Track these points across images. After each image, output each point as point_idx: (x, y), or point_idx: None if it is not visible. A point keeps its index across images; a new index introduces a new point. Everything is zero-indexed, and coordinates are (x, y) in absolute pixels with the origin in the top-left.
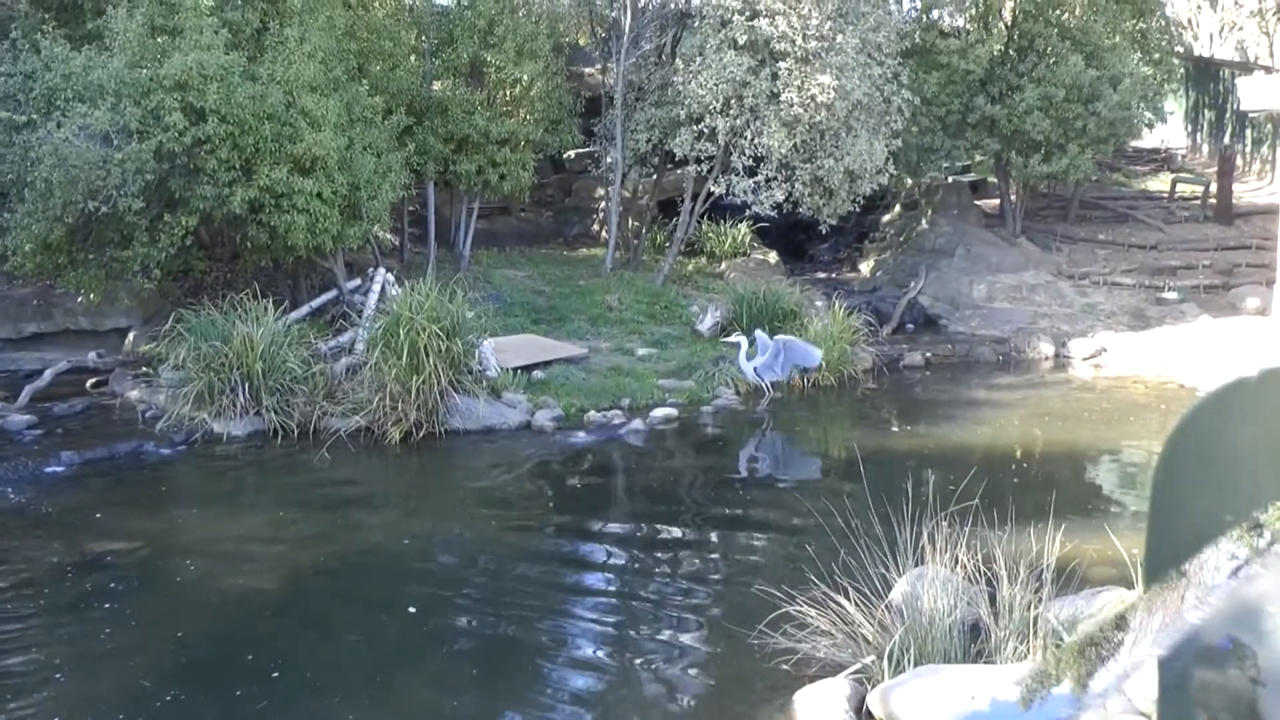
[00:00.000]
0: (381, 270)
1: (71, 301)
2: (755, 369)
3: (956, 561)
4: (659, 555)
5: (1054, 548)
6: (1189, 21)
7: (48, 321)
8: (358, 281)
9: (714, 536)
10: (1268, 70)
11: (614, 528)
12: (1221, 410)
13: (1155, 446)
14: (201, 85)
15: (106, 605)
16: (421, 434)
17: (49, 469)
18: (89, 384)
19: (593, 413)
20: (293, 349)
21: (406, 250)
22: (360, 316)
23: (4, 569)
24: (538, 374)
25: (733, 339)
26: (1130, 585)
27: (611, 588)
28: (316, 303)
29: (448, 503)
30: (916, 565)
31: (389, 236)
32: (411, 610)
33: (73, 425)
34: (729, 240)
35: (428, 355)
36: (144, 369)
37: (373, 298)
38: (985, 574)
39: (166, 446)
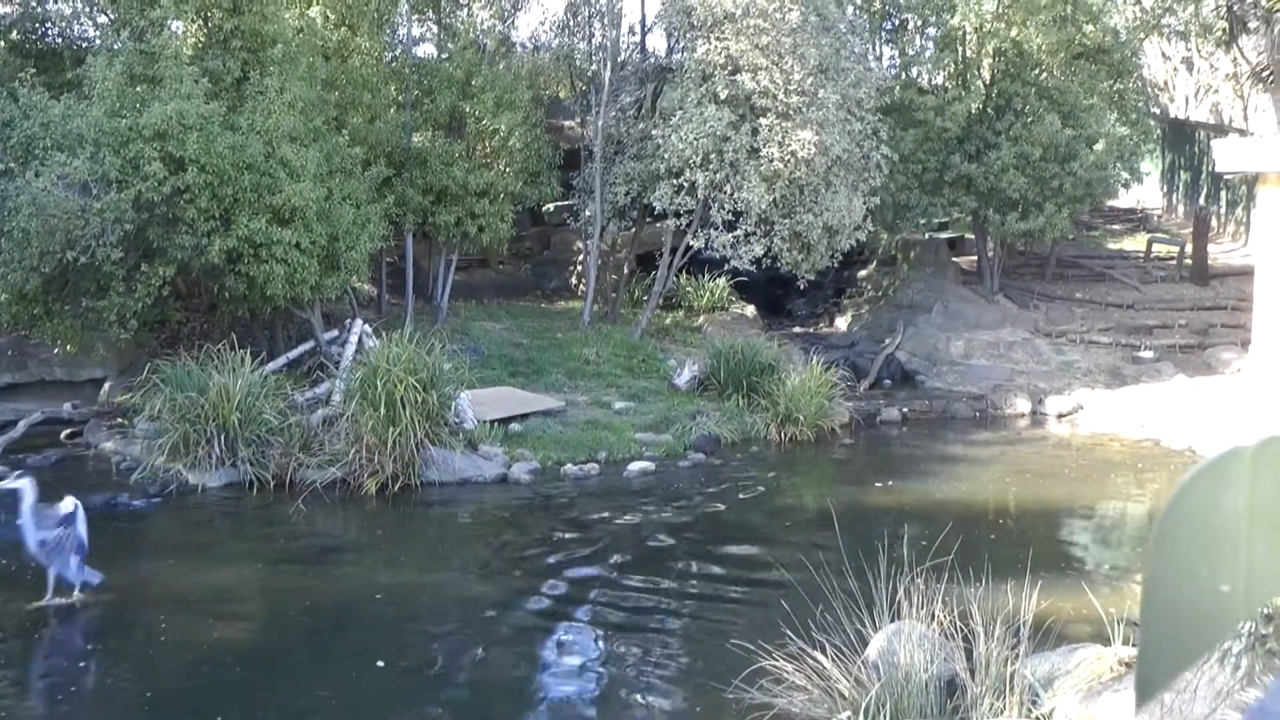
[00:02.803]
0: (359, 321)
1: (47, 352)
2: (42, 541)
3: (933, 617)
4: (635, 609)
5: (1031, 604)
6: (1165, 83)
7: (22, 372)
8: (335, 332)
9: (690, 590)
10: (1242, 133)
11: (589, 581)
12: (1220, 479)
13: (1132, 504)
14: (181, 135)
15: (75, 659)
16: (398, 486)
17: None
18: (64, 435)
19: (569, 465)
20: (269, 400)
21: (384, 301)
22: (337, 368)
23: None
24: (515, 426)
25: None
26: (1107, 642)
27: (586, 642)
28: (294, 354)
29: (422, 555)
30: (893, 621)
31: (367, 287)
32: (380, 664)
33: (46, 477)
34: (707, 294)
35: (404, 407)
36: (119, 420)
37: (350, 349)
38: (962, 630)
39: (141, 498)
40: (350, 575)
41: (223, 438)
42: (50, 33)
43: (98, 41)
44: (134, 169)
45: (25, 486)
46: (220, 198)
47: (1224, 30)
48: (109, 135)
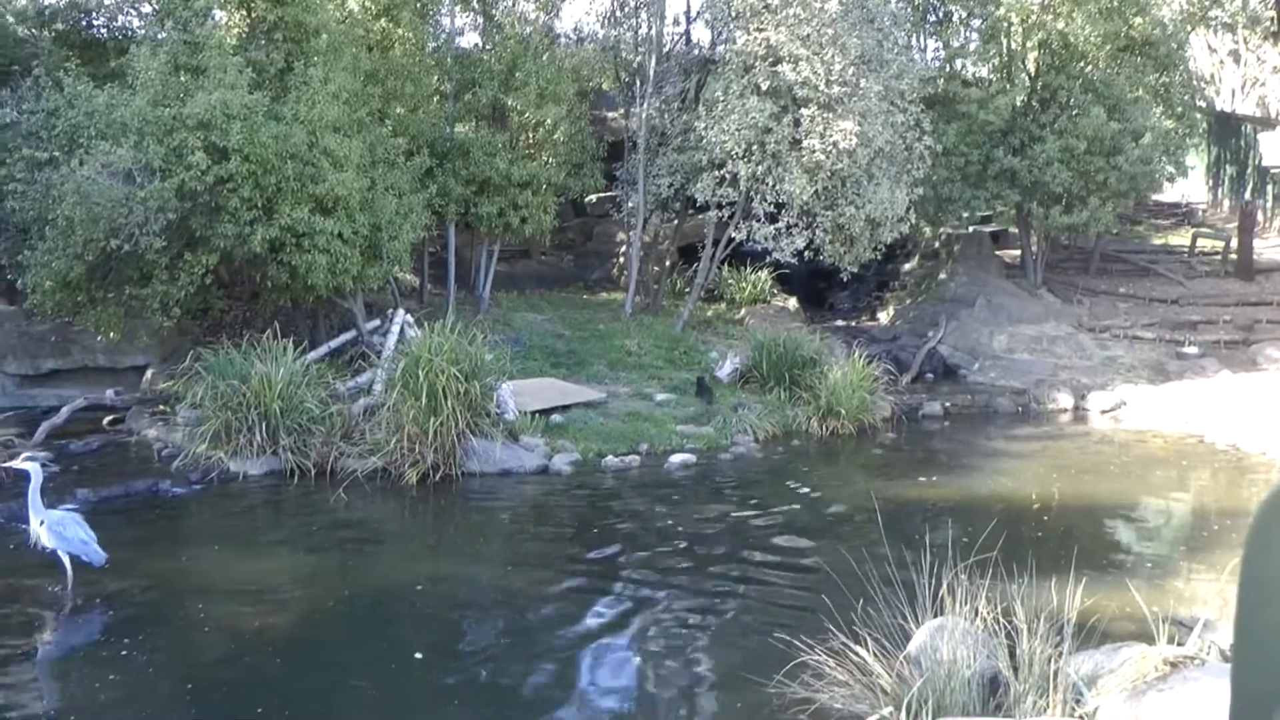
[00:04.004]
0: (401, 311)
1: (90, 339)
2: (42, 522)
3: (976, 613)
4: (676, 602)
5: (1074, 601)
6: (1211, 76)
7: (65, 358)
8: (377, 322)
9: (731, 584)
10: None
11: (630, 573)
12: None
13: (1175, 502)
14: (225, 124)
15: (116, 648)
16: (438, 476)
17: (64, 507)
18: (106, 421)
19: (610, 457)
20: (311, 389)
21: (426, 292)
22: (379, 357)
23: (14, 608)
24: (556, 418)
25: (18, 463)
26: (1151, 641)
27: (626, 635)
28: (335, 343)
29: (462, 546)
30: (935, 616)
31: (409, 277)
32: (418, 656)
33: (89, 463)
34: (749, 287)
35: (446, 397)
36: (161, 407)
37: (392, 339)
38: (1005, 626)
39: (182, 485)
40: (390, 565)
41: (264, 426)
42: (95, 23)
43: (141, 32)
44: (178, 158)
45: (34, 469)
46: (263, 187)
47: (1272, 22)
48: (153, 124)
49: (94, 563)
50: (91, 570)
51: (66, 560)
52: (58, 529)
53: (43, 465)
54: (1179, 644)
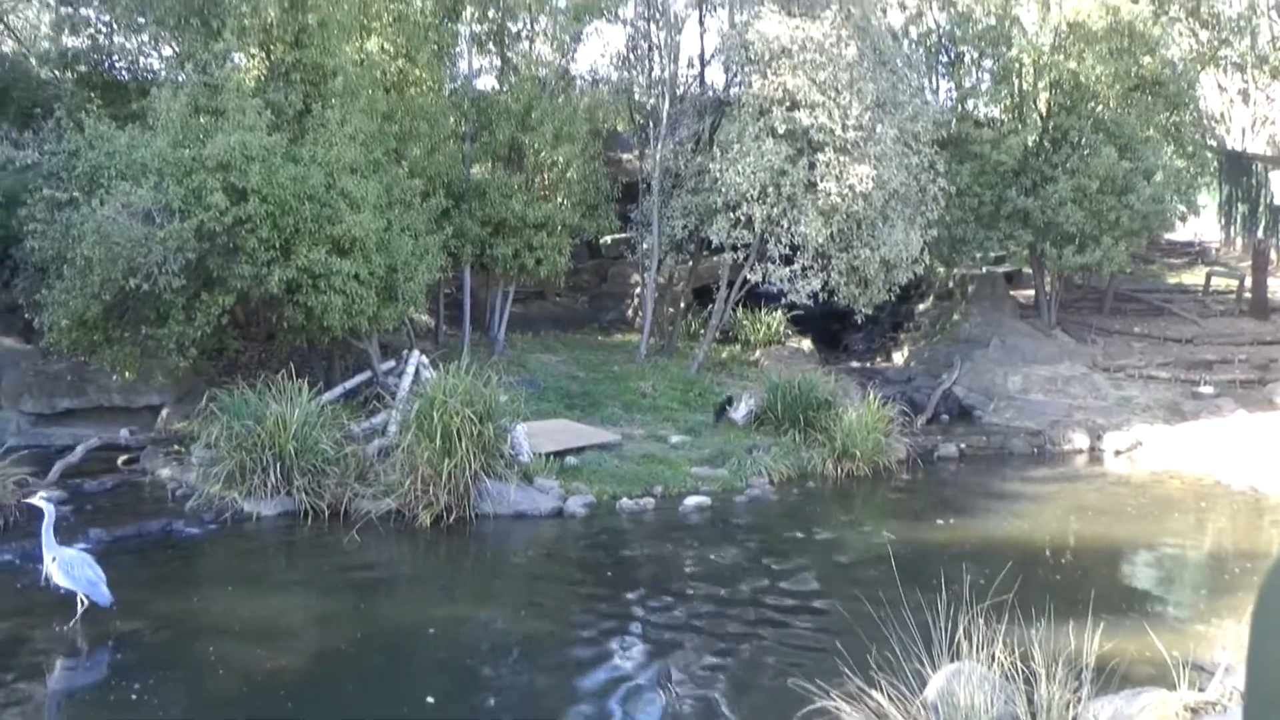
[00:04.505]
0: (416, 352)
1: (105, 378)
2: (54, 559)
3: (993, 658)
4: (691, 645)
5: (1093, 645)
6: (1222, 115)
7: (81, 398)
8: (392, 363)
9: (747, 627)
10: None
11: (645, 616)
12: None
13: (1193, 544)
14: (244, 165)
15: (126, 691)
16: (452, 518)
17: (77, 546)
18: (120, 461)
19: (625, 500)
20: (325, 430)
21: (441, 332)
22: (394, 398)
23: (25, 648)
24: (570, 460)
25: (34, 500)
26: (1171, 686)
27: (642, 678)
28: (350, 384)
29: (476, 588)
30: (952, 660)
31: (424, 318)
32: (430, 700)
33: (103, 502)
34: (764, 328)
35: (460, 439)
36: (176, 447)
37: (406, 380)
38: (1023, 671)
39: (196, 525)
40: (403, 608)
41: (278, 467)
42: (117, 65)
43: (162, 74)
44: (196, 199)
45: (47, 507)
46: (281, 228)
47: None
48: (172, 165)
49: (100, 604)
50: (103, 610)
51: (79, 599)
52: (67, 567)
53: (55, 504)
54: (1200, 689)
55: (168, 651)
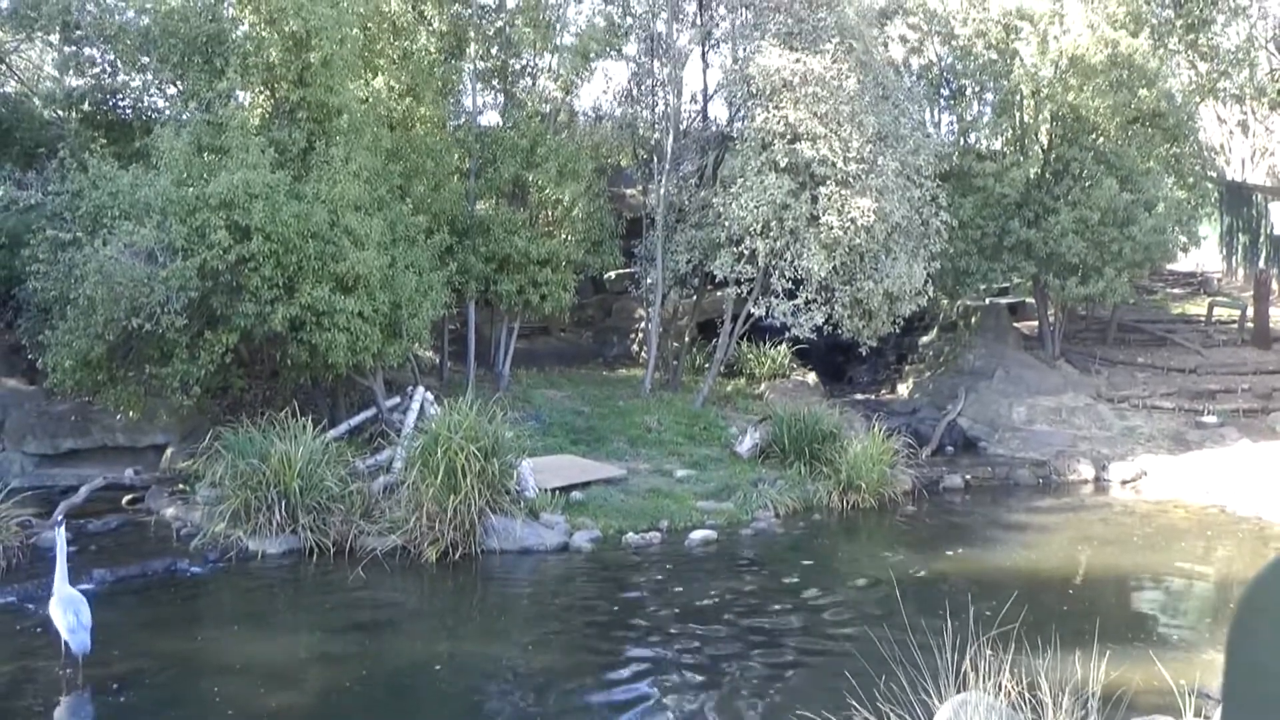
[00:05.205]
0: (421, 389)
1: (109, 418)
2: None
3: (1000, 687)
4: (699, 677)
5: (1099, 674)
6: (1221, 146)
7: (85, 438)
8: (397, 399)
9: (753, 660)
10: None
11: (651, 651)
12: None
13: (1199, 573)
14: (247, 203)
15: None
16: (458, 554)
17: (80, 587)
18: (125, 501)
19: (631, 534)
20: (330, 467)
21: (446, 369)
22: (399, 435)
23: (27, 689)
24: (576, 495)
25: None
26: (1178, 714)
27: (650, 712)
28: (355, 421)
29: (482, 624)
30: (959, 691)
31: (429, 355)
32: None
33: (106, 542)
34: (768, 361)
35: (465, 475)
36: (180, 486)
37: (411, 416)
38: (1029, 701)
39: (200, 564)
40: (409, 645)
41: (283, 505)
42: (121, 104)
43: (167, 112)
44: (200, 237)
45: (59, 536)
46: (284, 266)
47: (1278, 93)
48: (176, 204)
49: (74, 650)
50: (108, 649)
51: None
52: (63, 606)
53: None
54: (1206, 718)
55: (171, 692)
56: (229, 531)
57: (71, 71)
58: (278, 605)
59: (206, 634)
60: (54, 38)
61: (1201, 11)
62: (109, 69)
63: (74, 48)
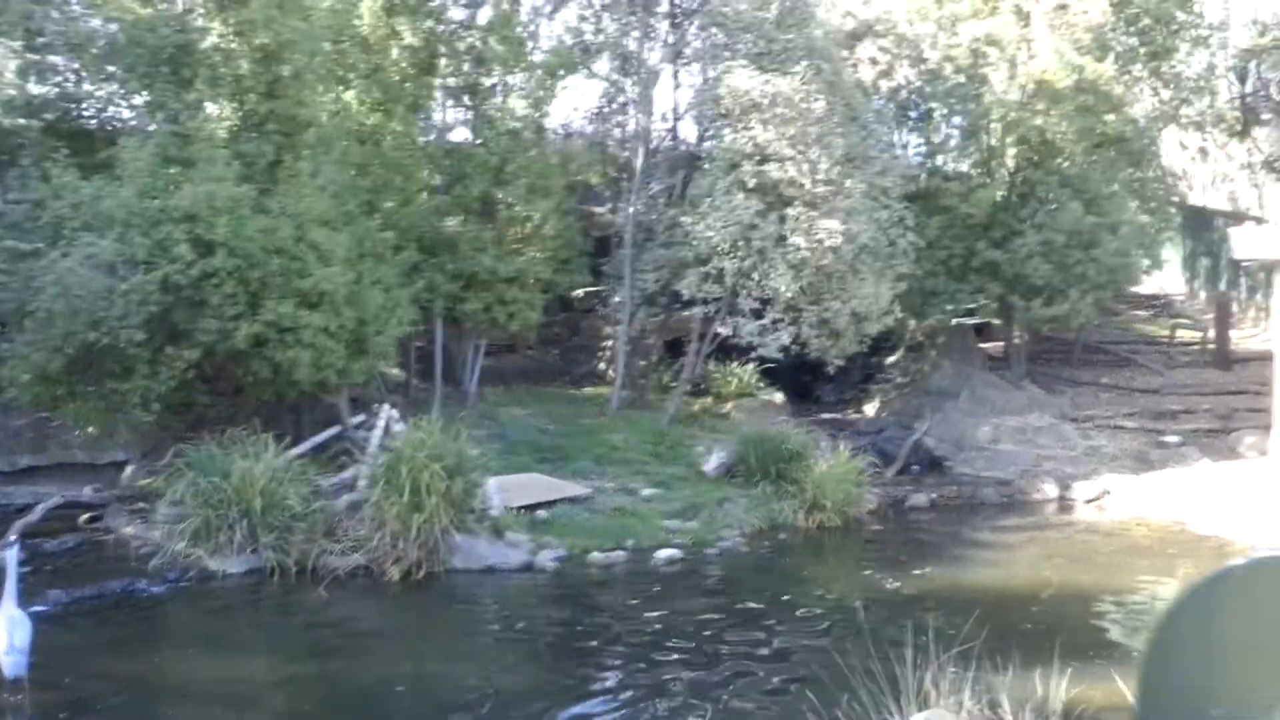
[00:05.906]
0: (386, 406)
1: (67, 434)
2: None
3: (961, 706)
4: (662, 698)
5: (1060, 692)
6: (1183, 172)
7: (42, 454)
8: (362, 417)
9: (718, 680)
10: (1258, 220)
11: (616, 671)
12: (1212, 600)
13: (1161, 590)
14: (211, 217)
15: None
16: (422, 573)
17: (35, 608)
18: (83, 519)
19: (596, 553)
20: (293, 485)
21: (412, 386)
22: (364, 453)
23: None
24: (541, 513)
25: None
26: None
27: None
28: (319, 439)
29: (446, 644)
30: (921, 709)
31: (395, 372)
32: None
33: (63, 562)
34: (735, 381)
35: (430, 493)
36: (140, 504)
37: (376, 434)
38: (991, 718)
39: (159, 584)
40: (372, 665)
41: (245, 523)
42: (85, 114)
43: (132, 123)
44: (162, 251)
45: (9, 555)
46: (248, 281)
47: (1237, 120)
48: (138, 216)
49: (7, 674)
50: (62, 673)
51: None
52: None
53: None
54: None
55: (127, 716)
56: (189, 550)
57: (34, 79)
58: (238, 626)
59: (164, 656)
60: (16, 44)
61: (1165, 40)
62: (73, 77)
63: (36, 55)
